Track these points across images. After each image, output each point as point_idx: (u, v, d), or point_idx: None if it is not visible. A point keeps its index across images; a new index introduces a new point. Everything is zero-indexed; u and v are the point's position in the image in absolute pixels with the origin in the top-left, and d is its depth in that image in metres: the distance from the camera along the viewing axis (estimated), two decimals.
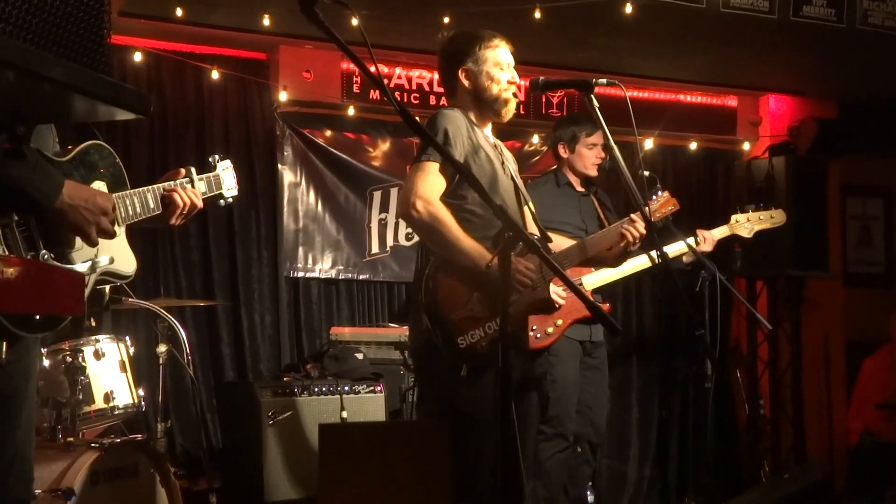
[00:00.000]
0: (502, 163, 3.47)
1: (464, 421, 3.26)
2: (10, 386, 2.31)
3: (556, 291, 4.85)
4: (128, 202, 2.54)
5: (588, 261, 3.89)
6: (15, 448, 2.36)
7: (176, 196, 2.67)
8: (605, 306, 4.95)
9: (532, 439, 3.71)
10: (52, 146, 2.43)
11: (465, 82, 3.44)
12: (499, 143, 3.54)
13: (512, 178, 3.50)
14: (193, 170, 2.81)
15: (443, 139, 3.26)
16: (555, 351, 4.71)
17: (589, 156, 4.82)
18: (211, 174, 2.92)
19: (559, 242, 3.65)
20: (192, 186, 2.76)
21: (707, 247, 4.76)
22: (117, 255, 2.50)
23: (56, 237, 2.29)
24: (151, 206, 2.60)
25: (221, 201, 2.98)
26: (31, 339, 2.34)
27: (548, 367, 4.73)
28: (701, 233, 4.78)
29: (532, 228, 3.53)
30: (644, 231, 3.66)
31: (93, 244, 2.35)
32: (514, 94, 3.48)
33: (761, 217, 4.79)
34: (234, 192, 3.04)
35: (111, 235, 2.35)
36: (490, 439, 3.20)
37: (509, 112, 3.50)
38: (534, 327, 4.65)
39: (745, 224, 4.78)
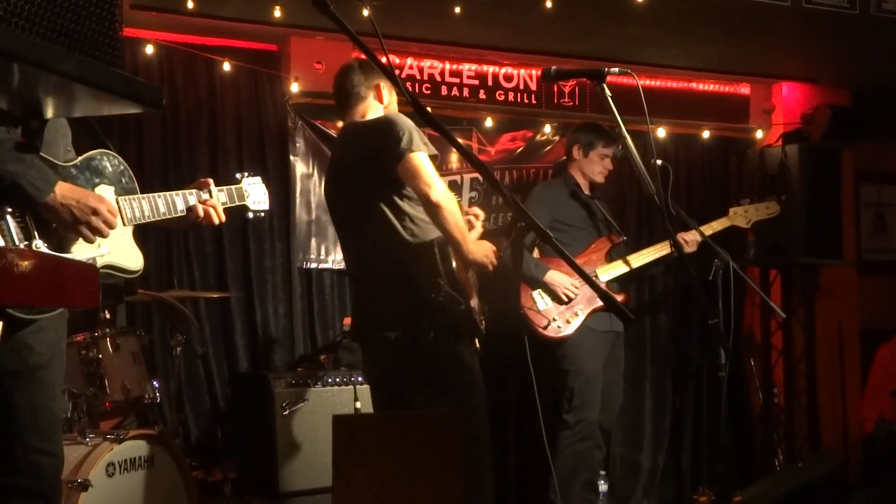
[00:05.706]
0: None
1: (475, 406, 3.32)
2: (36, 359, 2.46)
3: (571, 283, 4.92)
4: (135, 205, 2.71)
5: None
6: (52, 416, 2.54)
7: (199, 209, 2.87)
8: (621, 296, 4.97)
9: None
10: (64, 154, 2.59)
11: None
12: None
13: None
14: (212, 181, 2.99)
15: (419, 137, 3.36)
16: (578, 342, 4.75)
17: (599, 164, 5.03)
18: (233, 186, 3.09)
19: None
20: (211, 197, 2.93)
21: (691, 248, 4.87)
22: (122, 252, 2.65)
23: (51, 229, 2.44)
24: (162, 210, 2.78)
25: (249, 214, 3.16)
26: (50, 315, 2.46)
27: (570, 357, 4.76)
28: (682, 236, 4.83)
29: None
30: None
31: (88, 241, 2.50)
32: None
33: (757, 209, 5.15)
34: (264, 207, 3.21)
35: (103, 234, 2.50)
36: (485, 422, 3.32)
37: None
38: (554, 317, 4.67)
39: (743, 214, 5.12)
